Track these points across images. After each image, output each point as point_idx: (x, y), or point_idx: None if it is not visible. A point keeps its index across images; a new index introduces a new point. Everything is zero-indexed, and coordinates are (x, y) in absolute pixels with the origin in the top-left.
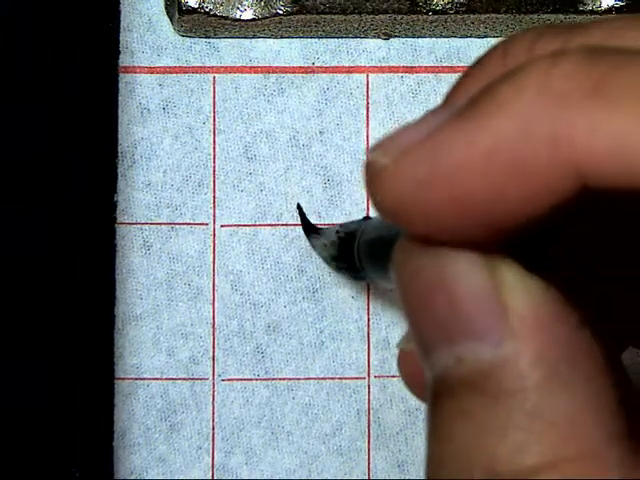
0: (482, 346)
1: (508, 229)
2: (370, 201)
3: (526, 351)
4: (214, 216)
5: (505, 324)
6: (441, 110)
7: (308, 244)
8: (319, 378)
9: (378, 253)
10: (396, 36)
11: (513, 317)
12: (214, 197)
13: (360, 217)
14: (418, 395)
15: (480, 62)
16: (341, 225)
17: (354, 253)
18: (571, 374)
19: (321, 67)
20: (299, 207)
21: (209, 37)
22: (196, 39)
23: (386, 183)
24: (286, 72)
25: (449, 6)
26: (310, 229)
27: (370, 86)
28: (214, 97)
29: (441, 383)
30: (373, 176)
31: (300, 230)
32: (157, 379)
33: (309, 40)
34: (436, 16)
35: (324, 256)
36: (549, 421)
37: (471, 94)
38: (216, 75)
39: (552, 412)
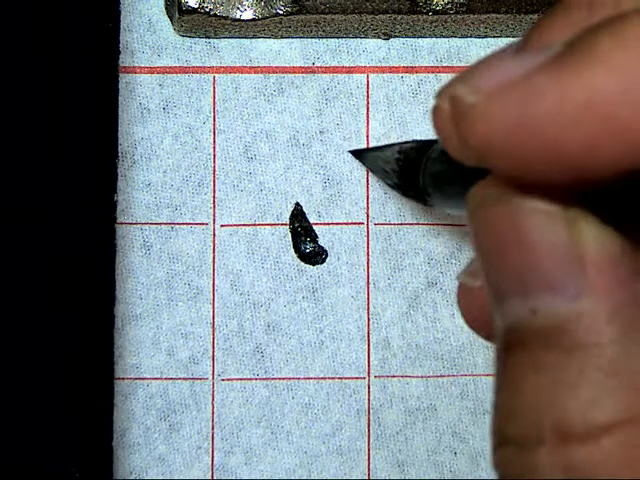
0: (558, 299)
1: (594, 181)
2: (446, 139)
3: (603, 306)
4: (214, 216)
5: (583, 278)
6: (531, 50)
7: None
8: (319, 378)
9: (444, 183)
10: (396, 36)
11: (591, 271)
12: (214, 197)
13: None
14: (477, 331)
15: (564, 3)
16: (399, 151)
17: (419, 180)
18: None
19: (321, 67)
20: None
21: (209, 37)
22: (196, 39)
23: (475, 123)
24: (286, 72)
25: (449, 6)
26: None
27: (370, 86)
28: (214, 97)
29: (514, 333)
30: (460, 113)
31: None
32: (157, 379)
33: (309, 40)
34: (436, 16)
35: (388, 183)
36: (625, 378)
37: (560, 37)
38: (216, 75)
39: (628, 369)
